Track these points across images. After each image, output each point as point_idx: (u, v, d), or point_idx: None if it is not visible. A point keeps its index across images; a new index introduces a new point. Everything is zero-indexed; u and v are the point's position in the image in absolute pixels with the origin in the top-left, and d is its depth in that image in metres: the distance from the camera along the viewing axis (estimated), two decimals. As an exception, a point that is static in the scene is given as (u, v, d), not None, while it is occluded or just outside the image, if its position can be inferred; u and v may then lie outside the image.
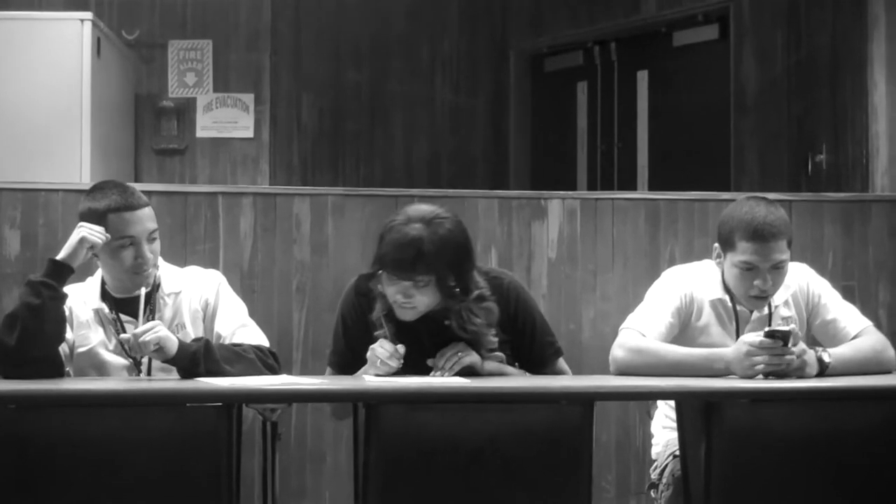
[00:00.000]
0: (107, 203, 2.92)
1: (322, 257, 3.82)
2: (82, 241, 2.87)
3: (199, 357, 2.82)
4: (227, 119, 5.68)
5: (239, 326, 3.02)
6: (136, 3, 5.60)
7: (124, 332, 2.96)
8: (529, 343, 3.02)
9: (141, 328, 2.81)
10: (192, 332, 3.02)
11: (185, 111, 5.66)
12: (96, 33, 4.78)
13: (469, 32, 6.67)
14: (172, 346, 2.81)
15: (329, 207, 3.83)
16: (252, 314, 3.13)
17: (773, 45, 5.59)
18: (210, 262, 3.64)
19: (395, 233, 2.84)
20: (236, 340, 2.98)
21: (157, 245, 2.98)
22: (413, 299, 2.85)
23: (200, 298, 3.05)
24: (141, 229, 2.93)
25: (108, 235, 2.90)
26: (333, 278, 3.80)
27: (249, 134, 5.69)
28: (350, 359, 3.00)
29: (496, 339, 2.95)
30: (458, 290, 2.87)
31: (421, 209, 2.88)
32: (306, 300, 3.80)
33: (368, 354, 2.88)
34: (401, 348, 2.84)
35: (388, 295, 2.88)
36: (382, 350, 2.84)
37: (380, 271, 2.88)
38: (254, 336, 3.02)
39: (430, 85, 6.54)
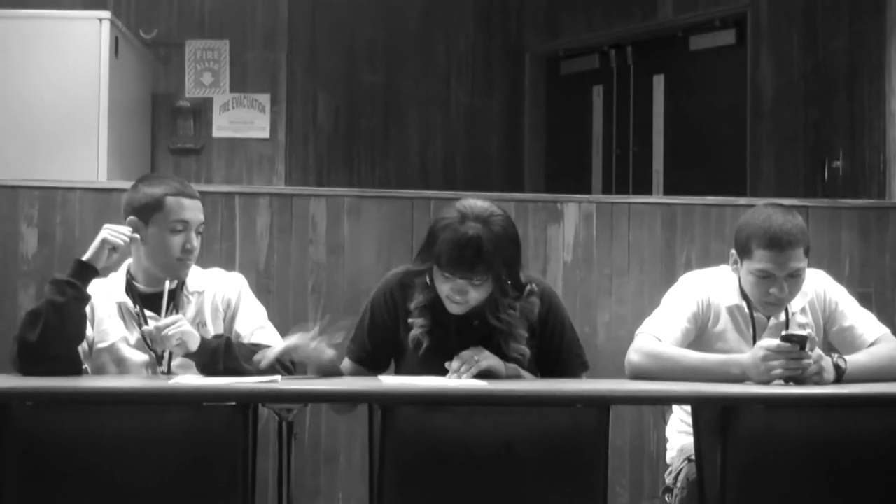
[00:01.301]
0: (166, 188, 2.97)
1: (338, 258, 3.82)
2: (104, 242, 2.90)
3: (219, 354, 2.83)
4: (244, 119, 5.69)
5: (258, 328, 3.04)
6: (154, 3, 5.61)
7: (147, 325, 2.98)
8: (557, 352, 3.03)
9: (164, 321, 2.83)
10: (213, 331, 3.04)
11: (201, 111, 5.67)
12: (114, 32, 4.79)
13: (485, 34, 6.67)
14: (194, 341, 2.83)
15: (345, 208, 3.84)
16: (267, 314, 3.14)
17: (790, 50, 5.59)
18: (226, 262, 3.66)
19: (452, 231, 2.84)
20: (255, 341, 2.99)
21: (200, 240, 3.02)
22: (467, 296, 2.88)
23: (223, 298, 3.08)
24: (194, 217, 2.98)
25: (133, 237, 2.92)
26: (349, 279, 3.81)
27: (265, 134, 5.70)
28: (368, 352, 3.02)
29: (526, 335, 2.97)
30: (511, 285, 2.90)
31: (475, 206, 2.87)
32: (322, 300, 3.81)
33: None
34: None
35: (441, 291, 2.89)
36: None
37: (432, 267, 2.88)
38: (272, 338, 3.03)
39: (446, 86, 6.54)
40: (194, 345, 2.83)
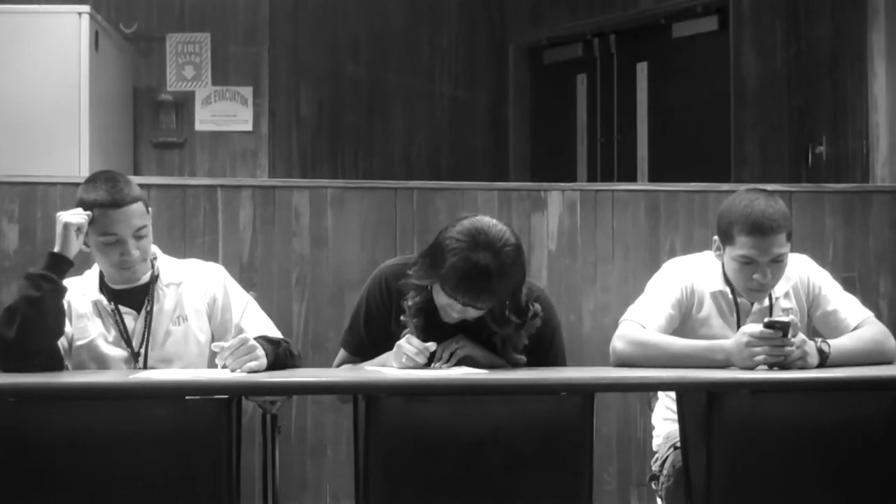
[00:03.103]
0: (94, 198, 2.91)
1: (321, 250, 3.81)
2: (66, 227, 2.87)
3: (286, 361, 2.88)
4: (226, 112, 5.67)
5: (257, 322, 3.03)
6: (134, -3, 5.59)
7: (123, 323, 2.96)
8: (542, 358, 3.02)
9: (231, 344, 2.77)
10: (196, 325, 3.02)
11: (183, 105, 5.65)
12: (94, 26, 4.77)
13: (468, 24, 6.66)
14: (262, 363, 2.78)
15: (328, 200, 3.83)
16: (252, 307, 3.13)
17: (773, 36, 5.59)
18: (209, 255, 3.64)
19: (462, 259, 2.77)
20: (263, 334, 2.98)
21: (145, 242, 2.95)
22: (465, 314, 2.85)
23: (206, 293, 3.05)
24: (125, 227, 2.90)
25: (89, 212, 2.89)
26: (333, 271, 3.80)
27: (248, 127, 5.67)
28: (364, 343, 3.01)
29: (525, 342, 2.95)
30: (512, 310, 2.86)
31: (488, 232, 2.79)
32: (306, 293, 3.79)
33: (395, 348, 2.87)
34: (431, 346, 2.84)
35: (439, 302, 2.86)
36: (410, 347, 2.83)
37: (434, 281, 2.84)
38: (275, 330, 3.04)
39: (430, 77, 6.53)
40: (264, 364, 2.78)
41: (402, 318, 2.93)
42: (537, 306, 2.94)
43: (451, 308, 2.84)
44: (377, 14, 6.33)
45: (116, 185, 2.92)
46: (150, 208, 3.00)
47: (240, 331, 2.97)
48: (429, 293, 2.90)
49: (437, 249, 2.83)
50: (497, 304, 2.84)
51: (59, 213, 2.91)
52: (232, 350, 2.75)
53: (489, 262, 2.76)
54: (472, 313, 2.86)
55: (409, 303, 2.92)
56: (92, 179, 2.97)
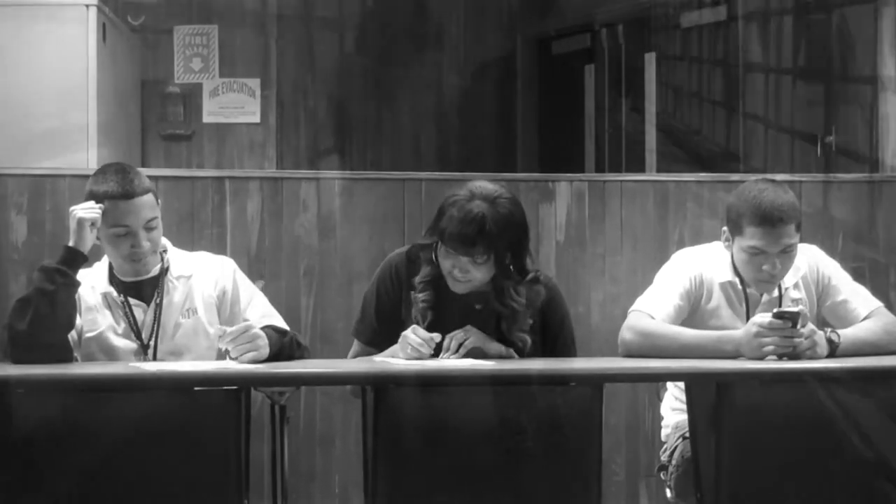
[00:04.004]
0: (104, 189, 2.91)
1: (329, 241, 3.81)
2: (81, 222, 2.87)
3: (292, 351, 2.90)
4: (234, 104, 5.67)
5: (263, 315, 3.02)
6: (141, -11, 5.59)
7: (133, 315, 2.96)
8: (551, 344, 3.03)
9: (235, 329, 2.80)
10: (206, 318, 3.02)
11: (191, 97, 5.65)
12: (101, 19, 4.76)
13: (476, 15, 6.65)
14: (264, 351, 2.81)
15: (336, 191, 3.83)
16: (260, 299, 3.12)
17: (782, 26, 5.57)
18: (217, 247, 3.64)
19: (458, 209, 2.86)
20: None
21: (156, 233, 2.95)
22: (469, 274, 2.89)
23: (216, 285, 3.05)
24: (136, 219, 2.91)
25: (101, 205, 2.90)
26: (341, 262, 3.80)
27: (256, 119, 5.68)
28: (376, 332, 3.02)
29: (530, 321, 2.96)
30: (512, 269, 2.90)
31: (484, 187, 2.91)
32: (314, 284, 3.80)
33: (400, 339, 2.88)
34: (436, 336, 2.85)
35: (444, 267, 2.91)
36: (415, 337, 2.85)
37: (437, 243, 2.91)
38: (283, 324, 3.03)
39: (437, 69, 6.52)
40: (265, 354, 2.81)
41: (412, 293, 2.95)
42: (542, 275, 2.99)
43: (455, 267, 2.87)
44: (385, 5, 6.33)
45: (127, 176, 2.93)
46: (159, 200, 3.00)
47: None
48: (438, 267, 2.92)
49: (439, 210, 2.92)
50: (497, 260, 2.86)
51: (72, 208, 2.91)
52: (234, 337, 2.76)
53: (485, 210, 2.84)
54: (476, 275, 2.87)
55: (418, 278, 2.95)
56: (102, 171, 2.98)
